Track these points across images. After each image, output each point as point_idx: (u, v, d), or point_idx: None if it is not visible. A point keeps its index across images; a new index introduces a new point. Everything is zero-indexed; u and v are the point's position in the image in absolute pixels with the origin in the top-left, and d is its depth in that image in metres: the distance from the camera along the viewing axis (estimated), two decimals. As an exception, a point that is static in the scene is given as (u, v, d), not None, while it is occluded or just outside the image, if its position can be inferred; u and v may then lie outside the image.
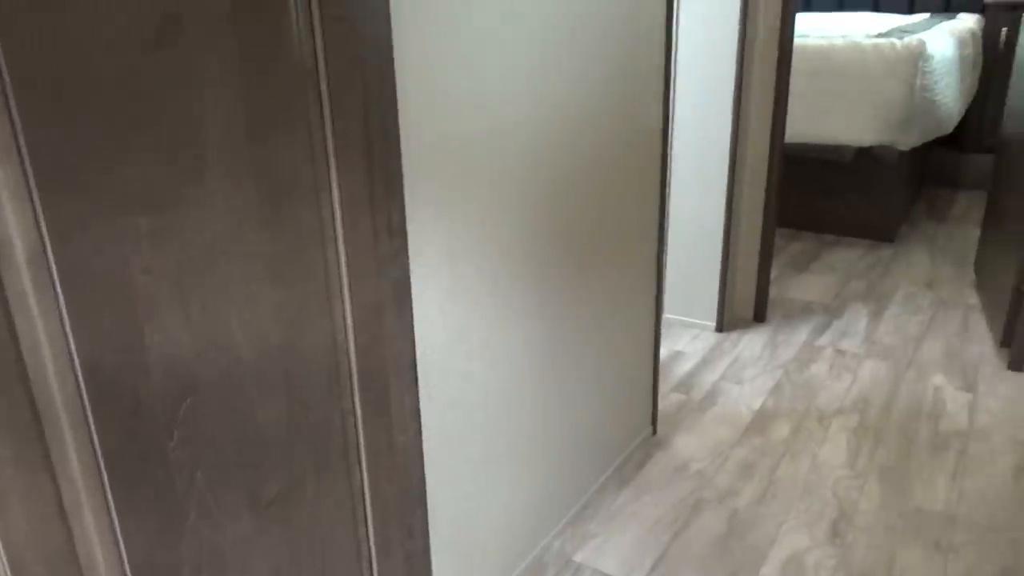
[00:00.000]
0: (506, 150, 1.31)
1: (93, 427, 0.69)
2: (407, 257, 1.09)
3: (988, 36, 4.18)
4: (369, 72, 0.95)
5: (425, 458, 1.26)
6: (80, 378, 0.67)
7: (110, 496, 0.71)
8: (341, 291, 1.01)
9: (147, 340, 0.71)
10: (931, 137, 3.52)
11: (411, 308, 1.12)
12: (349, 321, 1.04)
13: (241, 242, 0.82)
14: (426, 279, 1.18)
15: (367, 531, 1.18)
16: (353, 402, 1.09)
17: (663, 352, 2.57)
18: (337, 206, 0.98)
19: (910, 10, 4.58)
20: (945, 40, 3.48)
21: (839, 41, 3.33)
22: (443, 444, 1.31)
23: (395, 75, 1.00)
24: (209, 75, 0.76)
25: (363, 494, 1.16)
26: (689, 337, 2.69)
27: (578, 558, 1.70)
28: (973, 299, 2.96)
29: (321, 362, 0.99)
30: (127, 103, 0.68)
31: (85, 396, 0.68)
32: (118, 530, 0.72)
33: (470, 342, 1.32)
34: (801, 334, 2.71)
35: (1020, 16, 3.87)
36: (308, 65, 0.89)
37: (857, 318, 2.83)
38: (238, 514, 0.85)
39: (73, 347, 0.67)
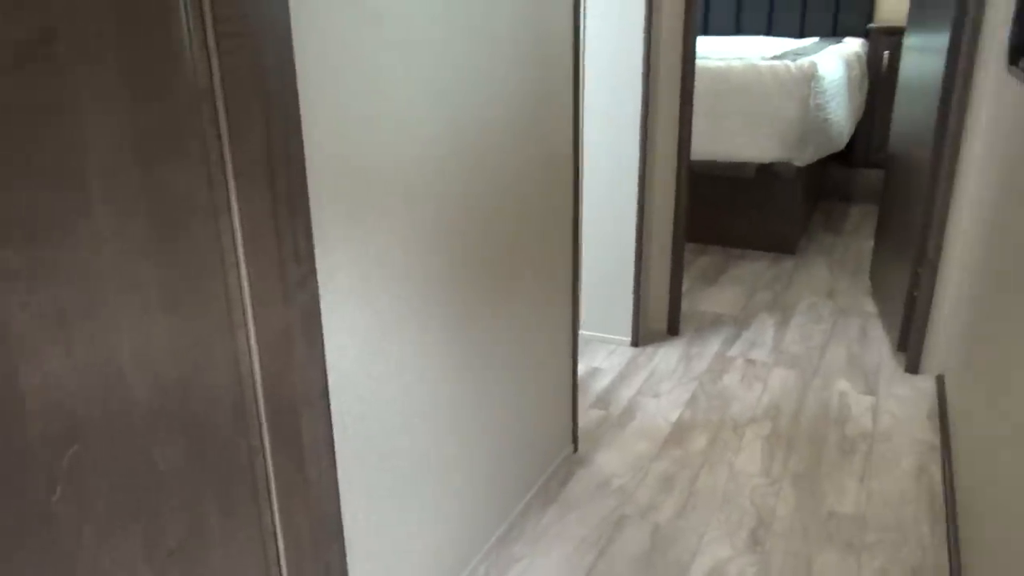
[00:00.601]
0: (418, 171, 1.29)
1: (-39, 482, 0.62)
2: (316, 282, 1.05)
3: (872, 59, 4.44)
4: (270, 91, 0.91)
5: (341, 489, 1.21)
6: (-55, 428, 0.61)
7: (-16, 558, 0.64)
8: (245, 319, 0.96)
9: (23, 383, 0.65)
10: (825, 153, 3.70)
11: (321, 335, 1.07)
12: (254, 350, 0.99)
13: (132, 272, 0.77)
14: (337, 304, 1.14)
15: (280, 572, 1.12)
16: (261, 437, 1.03)
17: (581, 369, 2.58)
18: (238, 232, 0.93)
19: (801, 34, 4.83)
20: (834, 62, 3.67)
21: (737, 63, 3.46)
22: (360, 474, 1.26)
23: (298, 94, 0.96)
24: (89, 96, 0.70)
25: (275, 534, 1.10)
26: (606, 353, 2.71)
27: (503, 584, 1.67)
28: (870, 307, 3.10)
29: (224, 396, 0.94)
30: (-5, 124, 0.62)
31: (-49, 448, 0.61)
32: (-6, 595, 0.65)
33: (386, 367, 1.28)
34: (713, 346, 2.77)
35: (900, 41, 4.14)
36: (203, 84, 0.85)
37: (765, 328, 2.92)
38: (134, 568, 0.79)
39: (-64, 394, 0.60)
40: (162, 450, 0.81)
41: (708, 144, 3.50)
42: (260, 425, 1.01)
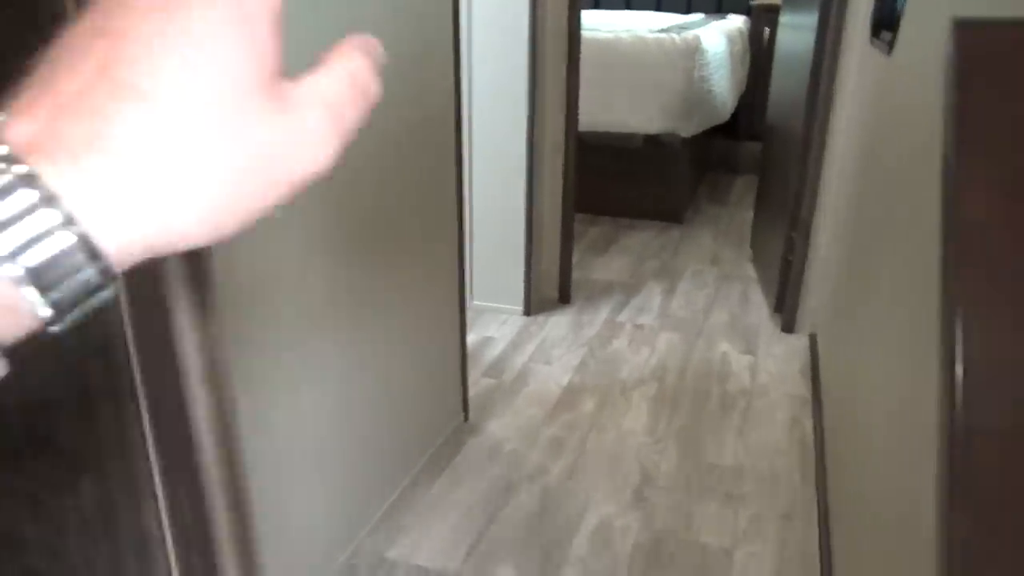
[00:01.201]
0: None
1: None
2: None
3: (754, 35, 4.61)
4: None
5: (212, 466, 1.16)
6: None
7: None
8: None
9: None
10: (709, 124, 3.82)
11: (212, 308, 1.02)
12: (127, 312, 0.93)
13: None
14: (219, 273, 1.08)
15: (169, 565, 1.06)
16: (139, 409, 0.97)
17: (473, 339, 2.58)
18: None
19: (687, 10, 4.95)
20: (718, 37, 3.78)
21: (625, 35, 3.51)
22: (245, 453, 1.21)
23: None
24: None
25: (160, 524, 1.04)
26: (498, 322, 2.72)
27: (392, 554, 1.66)
28: (751, 272, 3.24)
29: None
30: None
31: None
32: None
33: (271, 341, 1.24)
34: (603, 312, 2.83)
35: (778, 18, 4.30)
36: None
37: (653, 295, 3.00)
38: None
39: None
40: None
41: (597, 115, 3.54)
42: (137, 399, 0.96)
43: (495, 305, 2.79)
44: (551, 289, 2.89)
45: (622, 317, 2.80)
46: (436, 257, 1.87)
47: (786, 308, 2.68)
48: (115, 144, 0.23)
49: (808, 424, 2.16)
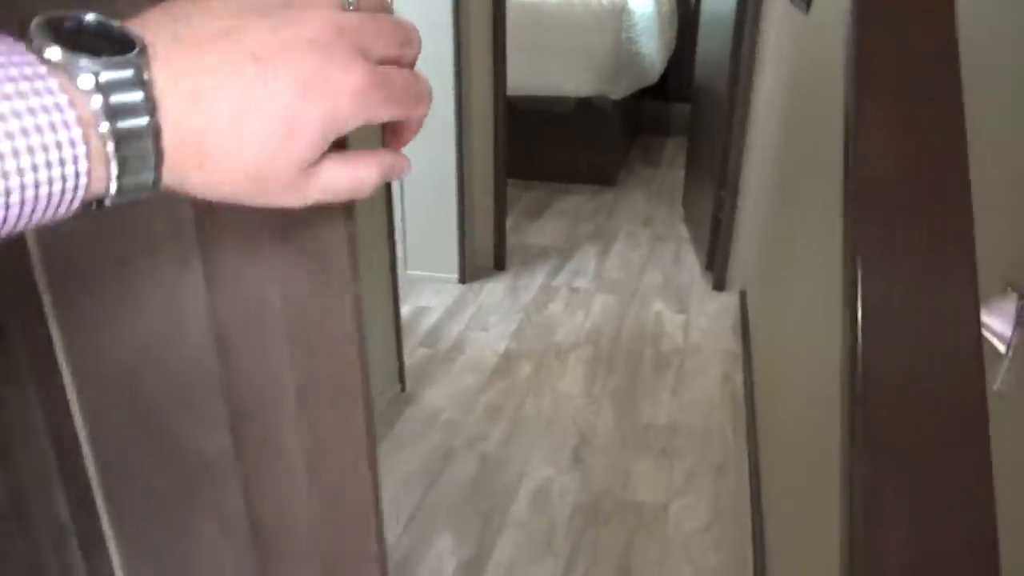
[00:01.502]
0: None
1: None
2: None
3: (681, -5, 4.62)
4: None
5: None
6: None
7: None
8: None
9: None
10: (639, 86, 3.82)
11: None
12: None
13: None
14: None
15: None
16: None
17: (409, 309, 2.56)
18: None
19: (615, -30, 4.91)
20: (644, -3, 3.77)
21: (552, -3, 3.47)
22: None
23: None
24: None
25: None
26: (433, 291, 2.70)
27: (331, 528, 1.64)
28: (683, 232, 3.28)
29: None
30: None
31: None
32: None
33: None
34: (539, 277, 2.84)
35: (704, -24, 4.31)
36: None
37: (588, 258, 3.02)
38: None
39: None
40: None
41: (527, 79, 3.51)
42: None
43: (430, 274, 2.76)
44: (486, 256, 2.88)
45: (557, 281, 2.81)
46: (365, 227, 1.83)
47: (716, 266, 2.73)
48: (206, 93, 0.30)
49: (739, 379, 2.21)
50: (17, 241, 0.65)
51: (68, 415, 0.77)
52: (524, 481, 1.80)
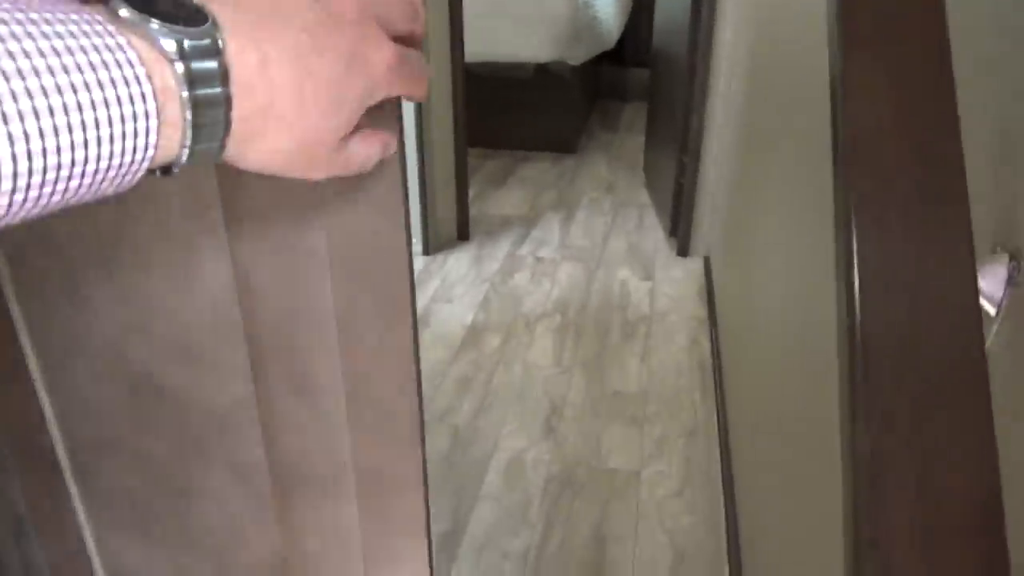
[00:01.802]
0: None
1: None
2: None
3: (636, -43, 4.56)
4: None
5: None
6: None
7: None
8: None
9: None
10: (597, 52, 3.78)
11: None
12: None
13: None
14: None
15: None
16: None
17: (372, 284, 2.51)
18: None
19: (569, -68, 4.83)
20: (600, -41, 3.71)
21: (507, -41, 3.39)
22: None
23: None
24: None
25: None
26: (397, 265, 2.65)
27: (302, 509, 1.61)
28: (645, 198, 3.28)
29: None
30: None
31: None
32: None
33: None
34: (503, 247, 2.81)
35: (659, -62, 4.26)
36: None
37: (551, 226, 2.99)
38: None
39: None
40: None
41: (485, 46, 3.44)
42: None
43: (392, 247, 2.71)
44: (449, 227, 2.83)
45: (523, 251, 2.79)
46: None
47: (680, 232, 2.73)
48: (271, 63, 0.31)
49: (706, 344, 2.23)
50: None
51: (32, 394, 0.73)
52: (496, 454, 1.78)
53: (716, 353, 2.12)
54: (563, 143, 3.79)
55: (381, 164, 0.46)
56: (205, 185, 0.56)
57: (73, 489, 0.81)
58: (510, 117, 3.74)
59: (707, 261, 2.65)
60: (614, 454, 1.79)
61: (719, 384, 1.98)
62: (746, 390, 1.59)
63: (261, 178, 0.53)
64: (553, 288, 2.53)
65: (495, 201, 3.23)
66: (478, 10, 3.37)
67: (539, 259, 2.73)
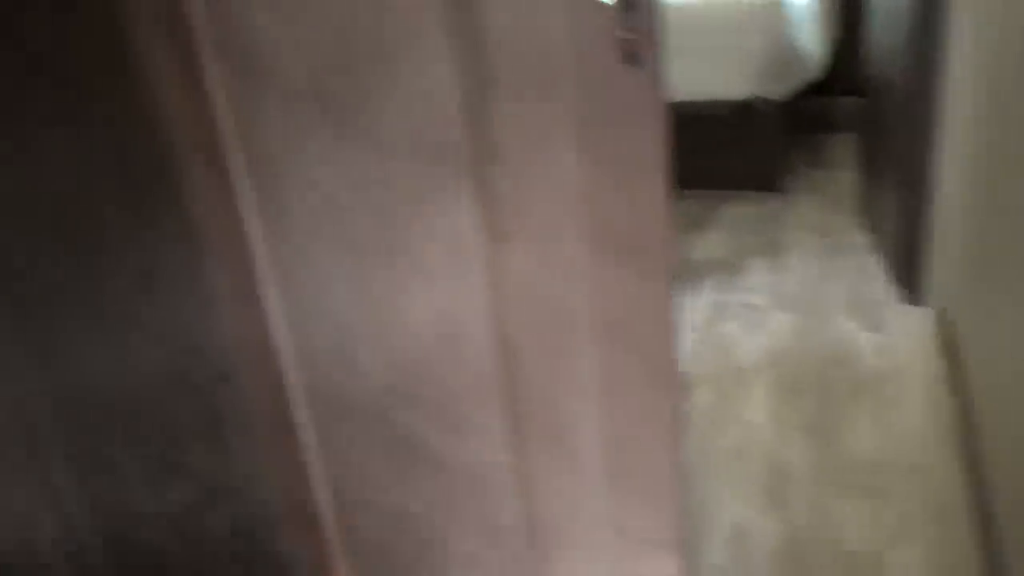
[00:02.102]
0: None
1: None
2: None
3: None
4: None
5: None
6: None
7: None
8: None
9: None
10: (800, 84, 3.57)
11: None
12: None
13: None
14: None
15: None
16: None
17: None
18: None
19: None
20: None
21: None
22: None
23: None
24: None
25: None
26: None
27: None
28: (862, 240, 3.01)
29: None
30: None
31: None
32: None
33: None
34: (706, 294, 2.68)
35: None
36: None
37: (758, 271, 2.82)
38: None
39: None
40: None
41: (679, 85, 3.36)
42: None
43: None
44: (648, 273, 2.75)
45: (728, 298, 2.64)
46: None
47: (910, 279, 2.46)
48: None
49: (949, 408, 1.97)
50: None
51: (302, 453, 0.75)
52: (717, 520, 1.66)
53: (967, 419, 1.86)
54: (766, 181, 3.60)
55: (646, 224, 0.41)
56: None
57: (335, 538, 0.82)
58: (708, 156, 3.61)
59: (943, 313, 2.37)
60: (847, 531, 1.60)
61: (976, 457, 1.73)
62: (1020, 467, 1.36)
63: (526, 240, 0.51)
64: (766, 339, 2.36)
65: (694, 244, 3.11)
66: (678, 48, 3.30)
67: (747, 306, 2.57)
